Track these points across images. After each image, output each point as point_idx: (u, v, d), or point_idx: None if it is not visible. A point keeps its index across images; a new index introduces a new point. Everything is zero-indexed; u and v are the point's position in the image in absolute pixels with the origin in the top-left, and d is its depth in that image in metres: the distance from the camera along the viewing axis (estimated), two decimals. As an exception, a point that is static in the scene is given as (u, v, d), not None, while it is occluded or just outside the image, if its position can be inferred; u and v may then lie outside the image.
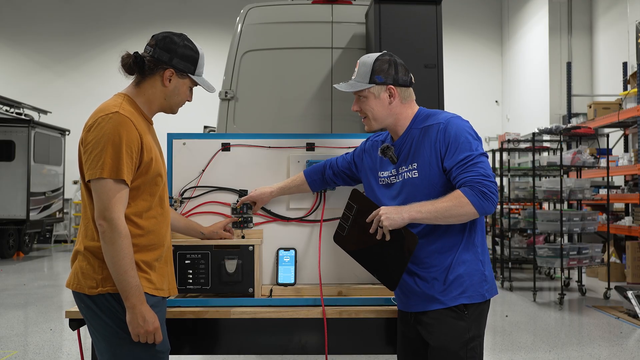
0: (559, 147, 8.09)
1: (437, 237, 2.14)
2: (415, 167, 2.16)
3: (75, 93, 15.42)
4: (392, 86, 2.19)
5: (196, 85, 2.21)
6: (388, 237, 2.08)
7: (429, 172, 2.13)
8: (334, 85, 2.33)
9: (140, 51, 2.15)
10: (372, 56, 2.23)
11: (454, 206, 2.01)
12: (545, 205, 10.50)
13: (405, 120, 2.24)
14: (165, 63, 2.10)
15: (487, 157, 2.11)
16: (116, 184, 1.94)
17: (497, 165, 9.10)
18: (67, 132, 13.57)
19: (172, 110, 2.21)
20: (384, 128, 2.31)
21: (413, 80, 2.26)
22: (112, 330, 2.01)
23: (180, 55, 2.12)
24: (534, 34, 14.00)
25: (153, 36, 2.15)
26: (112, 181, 1.94)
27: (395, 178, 2.23)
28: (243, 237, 2.65)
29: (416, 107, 2.28)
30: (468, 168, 2.04)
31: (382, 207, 2.10)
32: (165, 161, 2.66)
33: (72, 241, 14.83)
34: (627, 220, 8.68)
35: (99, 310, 2.01)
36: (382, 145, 2.28)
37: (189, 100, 2.23)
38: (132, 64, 2.09)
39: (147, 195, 2.07)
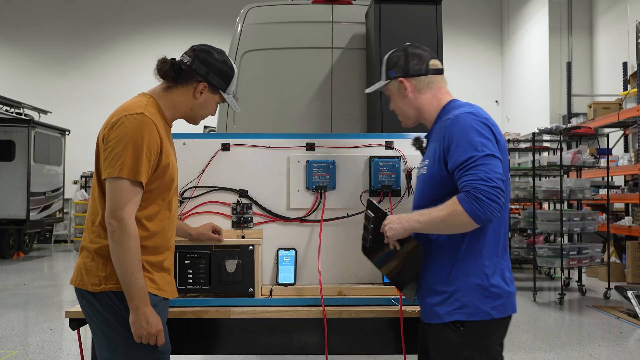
0: (559, 147, 8.09)
1: (434, 245, 2.03)
2: (426, 163, 2.08)
3: (75, 93, 15.42)
4: (402, 78, 2.13)
5: (224, 102, 2.22)
6: (398, 247, 2.05)
7: (435, 171, 2.03)
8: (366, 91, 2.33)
9: (157, 57, 2.15)
10: (390, 52, 2.19)
11: (448, 216, 1.88)
12: (545, 205, 10.50)
13: (430, 111, 2.14)
14: (201, 76, 2.10)
15: (498, 158, 1.91)
16: (132, 185, 1.94)
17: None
18: (67, 132, 13.58)
19: (194, 121, 2.22)
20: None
21: (434, 67, 2.13)
22: (114, 328, 2.00)
23: (217, 71, 2.12)
24: (534, 34, 14.00)
25: (192, 46, 2.16)
26: (129, 182, 1.93)
27: (418, 172, 2.18)
28: (243, 237, 2.65)
29: (446, 98, 2.14)
30: (468, 171, 1.88)
31: (388, 217, 2.06)
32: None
33: (72, 241, 14.83)
34: (627, 220, 8.68)
35: (102, 307, 2.00)
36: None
37: (212, 115, 2.25)
38: (169, 70, 2.08)
39: (160, 200, 2.07)
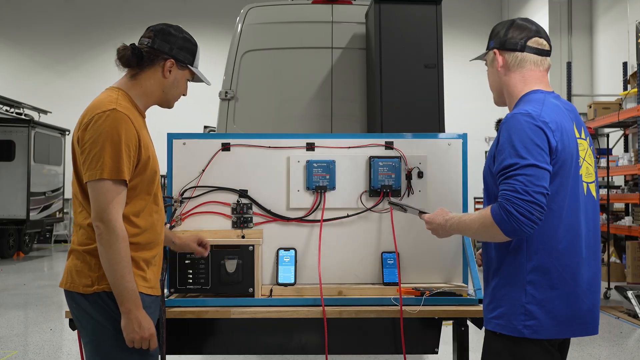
0: (559, 147, 8.08)
1: (485, 243, 1.97)
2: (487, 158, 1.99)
3: (75, 93, 15.41)
4: (496, 50, 1.98)
5: (193, 78, 2.17)
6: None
7: (488, 167, 1.94)
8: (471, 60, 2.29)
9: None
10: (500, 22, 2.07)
11: (481, 226, 1.79)
12: (545, 205, 10.48)
13: (511, 95, 1.98)
14: (166, 54, 2.05)
15: (543, 168, 1.74)
16: (115, 185, 1.89)
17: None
18: (67, 132, 13.57)
19: (168, 103, 2.15)
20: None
21: (534, 45, 1.95)
22: (105, 330, 1.93)
23: (180, 46, 2.08)
24: (534, 34, 13.99)
25: (149, 27, 2.11)
26: (111, 182, 1.88)
27: None
28: (243, 237, 2.65)
29: (532, 85, 1.95)
30: (506, 180, 1.75)
31: (428, 219, 2.04)
32: (165, 161, 2.67)
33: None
34: (627, 220, 8.67)
35: (93, 309, 1.93)
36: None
37: (184, 94, 2.18)
38: (131, 56, 2.02)
39: (144, 195, 2.01)
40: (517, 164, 1.73)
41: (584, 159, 1.90)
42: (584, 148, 1.92)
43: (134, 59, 2.03)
